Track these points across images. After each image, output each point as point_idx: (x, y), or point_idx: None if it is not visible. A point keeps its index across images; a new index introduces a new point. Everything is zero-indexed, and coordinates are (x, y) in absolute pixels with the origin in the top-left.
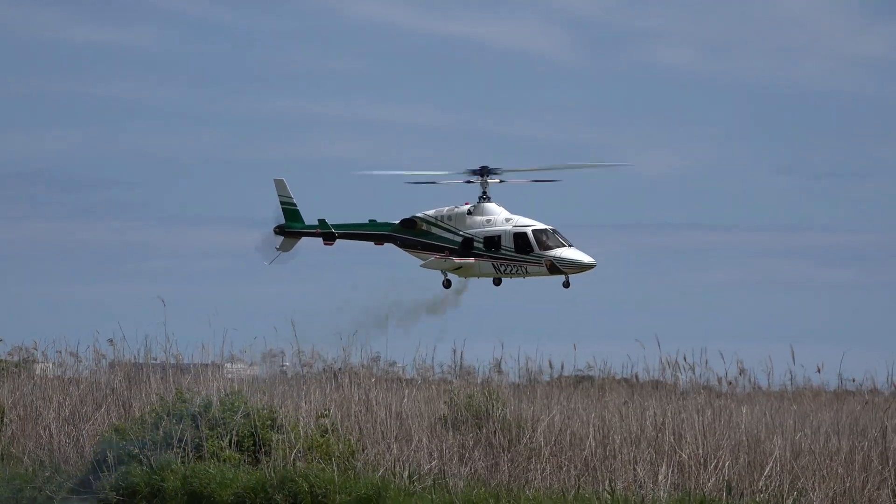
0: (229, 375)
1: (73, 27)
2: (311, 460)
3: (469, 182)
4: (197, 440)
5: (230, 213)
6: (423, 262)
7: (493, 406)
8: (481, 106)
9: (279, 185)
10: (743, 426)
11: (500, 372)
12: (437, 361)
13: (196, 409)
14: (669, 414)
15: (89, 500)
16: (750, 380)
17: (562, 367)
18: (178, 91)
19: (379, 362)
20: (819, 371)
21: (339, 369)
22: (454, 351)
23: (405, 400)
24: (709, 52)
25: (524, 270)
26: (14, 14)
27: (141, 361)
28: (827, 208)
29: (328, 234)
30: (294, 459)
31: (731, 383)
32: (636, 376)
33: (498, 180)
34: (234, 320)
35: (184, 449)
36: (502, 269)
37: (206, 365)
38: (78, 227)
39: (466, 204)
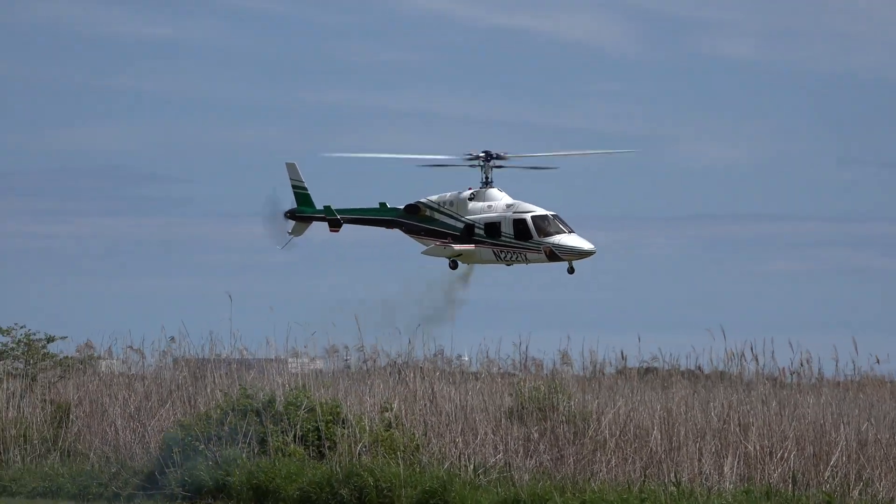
0: (293, 370)
1: (130, 23)
2: (376, 454)
3: (471, 166)
4: (262, 435)
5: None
6: (423, 249)
7: (558, 398)
8: (538, 98)
9: (291, 168)
10: (809, 417)
11: (566, 363)
12: (501, 354)
13: (260, 404)
14: (734, 405)
15: (155, 496)
16: (815, 370)
17: (624, 359)
18: (235, 85)
19: (442, 356)
20: (878, 361)
21: (404, 363)
22: (518, 343)
23: (469, 393)
24: (770, 43)
25: (524, 257)
26: (74, 11)
27: (206, 356)
28: (892, 198)
29: (333, 220)
30: (359, 454)
31: (796, 374)
32: (700, 368)
33: (500, 165)
34: (296, 314)
35: (249, 444)
36: (502, 255)
37: (270, 360)
38: (140, 221)
39: (469, 189)
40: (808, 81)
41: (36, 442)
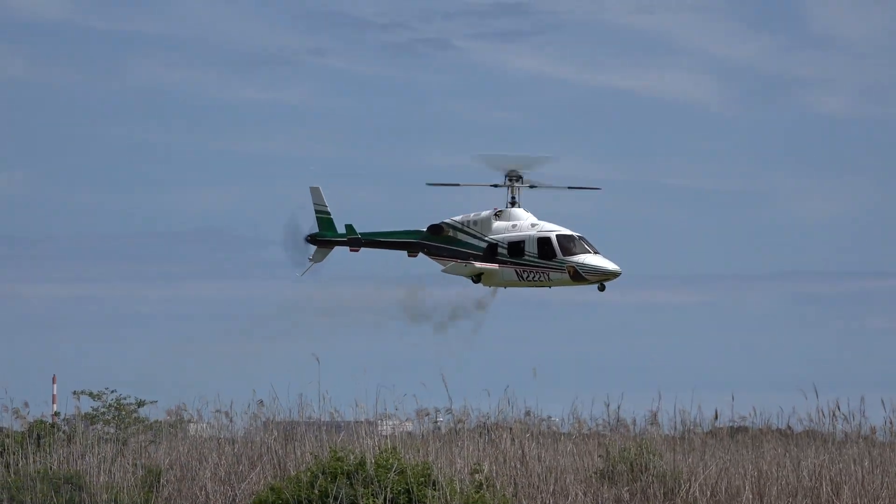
0: (383, 432)
1: (231, 87)
2: None
3: (496, 186)
4: (352, 498)
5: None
6: (443, 268)
7: (648, 458)
8: (637, 156)
9: (315, 193)
10: None
11: (654, 423)
12: (591, 415)
13: (350, 466)
14: (826, 464)
15: None
16: None
17: (717, 417)
18: (331, 146)
19: (531, 416)
20: None
21: (494, 423)
22: (608, 403)
23: (560, 454)
24: (863, 99)
25: (546, 277)
26: (176, 76)
27: (295, 419)
28: None
29: (355, 240)
30: None
31: (887, 432)
32: (790, 427)
33: (528, 185)
34: (385, 376)
35: None
36: (525, 275)
37: (360, 422)
38: (233, 285)
39: (495, 209)
40: None
41: None
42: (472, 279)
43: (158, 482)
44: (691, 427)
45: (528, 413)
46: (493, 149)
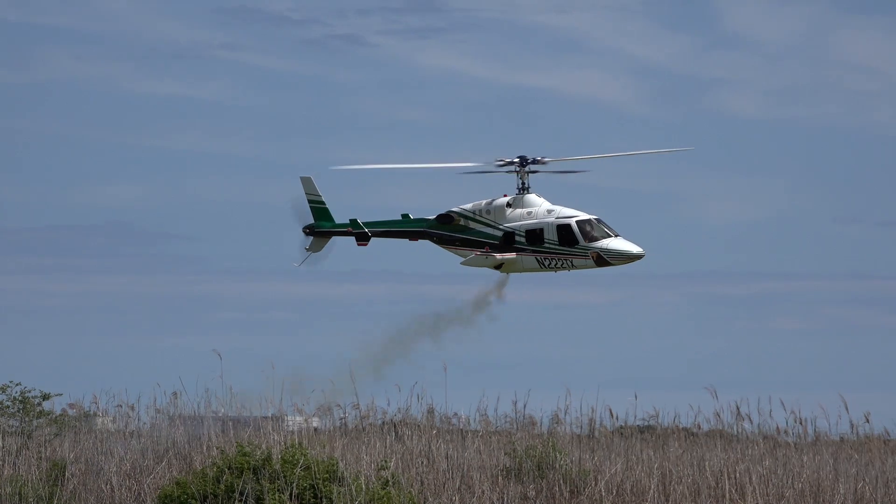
0: (290, 428)
1: (144, 81)
2: None
3: (509, 172)
4: (258, 493)
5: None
6: (463, 260)
7: (554, 456)
8: (549, 154)
9: (306, 183)
10: (805, 475)
11: (559, 423)
12: (499, 412)
13: (257, 462)
14: (730, 463)
15: None
16: (809, 429)
17: (615, 418)
18: (242, 143)
19: (435, 413)
20: (868, 420)
21: (400, 421)
22: (514, 402)
23: (466, 451)
24: (773, 100)
25: (570, 263)
26: (86, 69)
27: (202, 414)
28: (891, 256)
29: (361, 233)
30: None
31: (786, 432)
32: (698, 426)
33: (536, 171)
34: (293, 372)
35: (245, 502)
36: (546, 262)
37: (266, 418)
38: (142, 279)
39: (505, 196)
40: (811, 138)
41: (31, 500)
42: (494, 269)
43: (63, 476)
44: (597, 426)
45: (430, 410)
46: (404, 146)
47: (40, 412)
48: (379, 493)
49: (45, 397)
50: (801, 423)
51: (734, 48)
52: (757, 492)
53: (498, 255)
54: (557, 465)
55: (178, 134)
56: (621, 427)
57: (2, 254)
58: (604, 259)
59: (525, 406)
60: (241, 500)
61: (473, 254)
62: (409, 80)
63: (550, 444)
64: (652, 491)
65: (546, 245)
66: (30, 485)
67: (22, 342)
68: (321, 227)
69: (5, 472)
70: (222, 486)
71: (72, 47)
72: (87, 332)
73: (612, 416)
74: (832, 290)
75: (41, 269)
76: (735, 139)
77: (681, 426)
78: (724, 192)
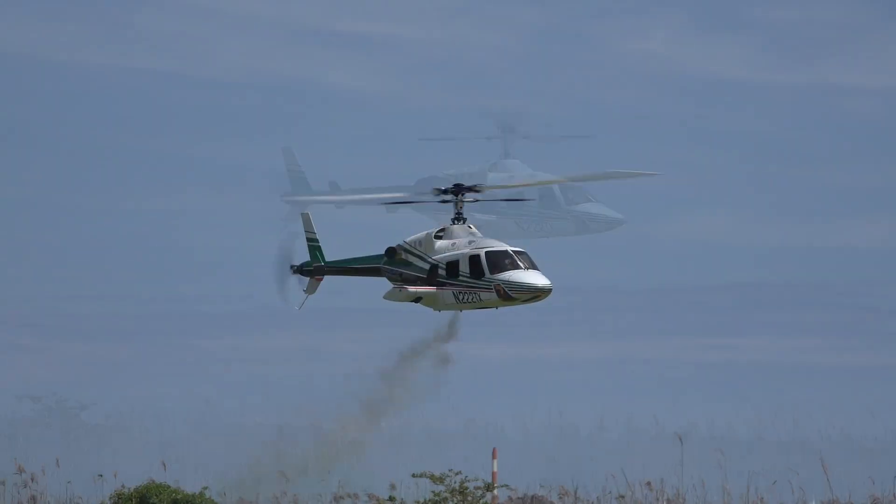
0: None
1: None
2: None
3: (444, 202)
4: None
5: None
6: (384, 294)
7: None
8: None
9: (305, 219)
10: None
11: None
12: None
13: None
14: None
15: None
16: None
17: None
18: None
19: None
20: None
21: None
22: None
23: None
24: None
25: (478, 298)
26: None
27: None
28: None
29: (318, 268)
30: None
31: None
32: None
33: (473, 199)
34: None
35: None
36: (461, 297)
37: None
38: None
39: (439, 227)
40: None
41: None
42: (414, 302)
43: None
44: None
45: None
46: None
47: None
48: None
49: None
50: None
51: None
52: None
53: (412, 289)
54: None
55: None
56: None
57: None
58: (507, 293)
59: None
60: None
61: (392, 288)
62: None
63: None
64: None
65: (460, 278)
66: None
67: None
68: (310, 265)
69: None
70: None
71: None
72: None
73: None
74: None
75: None
76: None
77: None
78: None
